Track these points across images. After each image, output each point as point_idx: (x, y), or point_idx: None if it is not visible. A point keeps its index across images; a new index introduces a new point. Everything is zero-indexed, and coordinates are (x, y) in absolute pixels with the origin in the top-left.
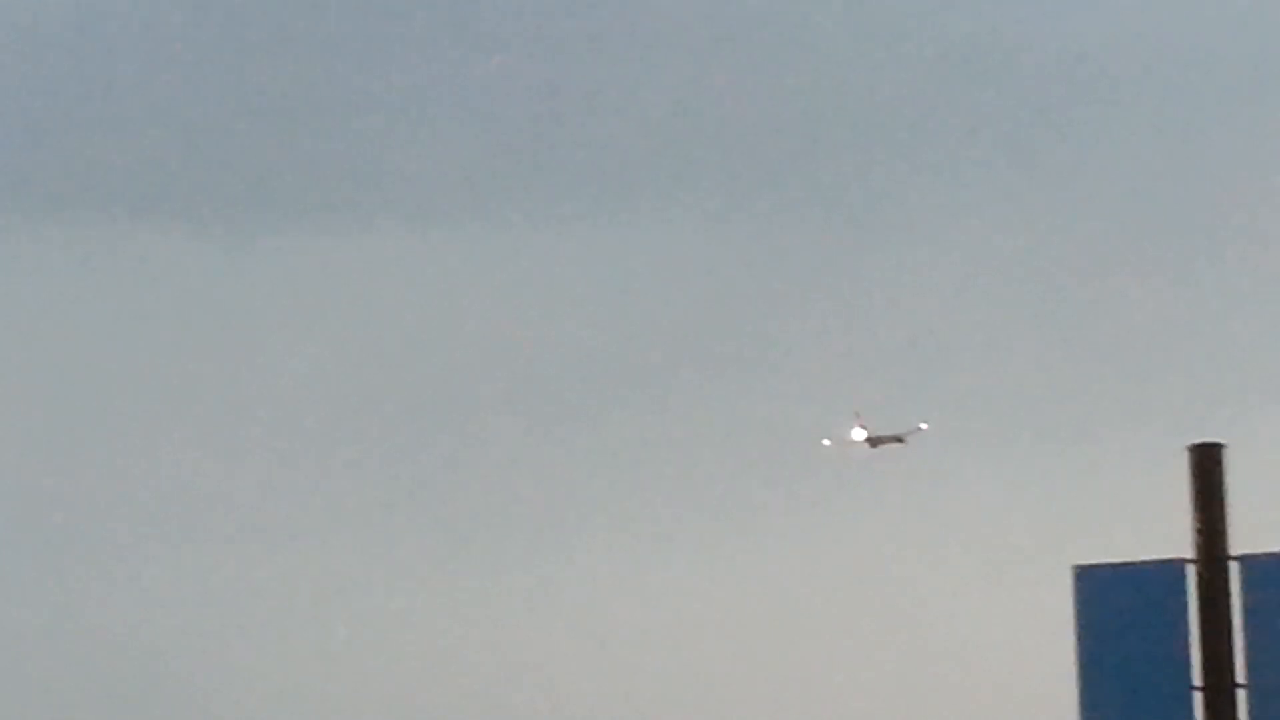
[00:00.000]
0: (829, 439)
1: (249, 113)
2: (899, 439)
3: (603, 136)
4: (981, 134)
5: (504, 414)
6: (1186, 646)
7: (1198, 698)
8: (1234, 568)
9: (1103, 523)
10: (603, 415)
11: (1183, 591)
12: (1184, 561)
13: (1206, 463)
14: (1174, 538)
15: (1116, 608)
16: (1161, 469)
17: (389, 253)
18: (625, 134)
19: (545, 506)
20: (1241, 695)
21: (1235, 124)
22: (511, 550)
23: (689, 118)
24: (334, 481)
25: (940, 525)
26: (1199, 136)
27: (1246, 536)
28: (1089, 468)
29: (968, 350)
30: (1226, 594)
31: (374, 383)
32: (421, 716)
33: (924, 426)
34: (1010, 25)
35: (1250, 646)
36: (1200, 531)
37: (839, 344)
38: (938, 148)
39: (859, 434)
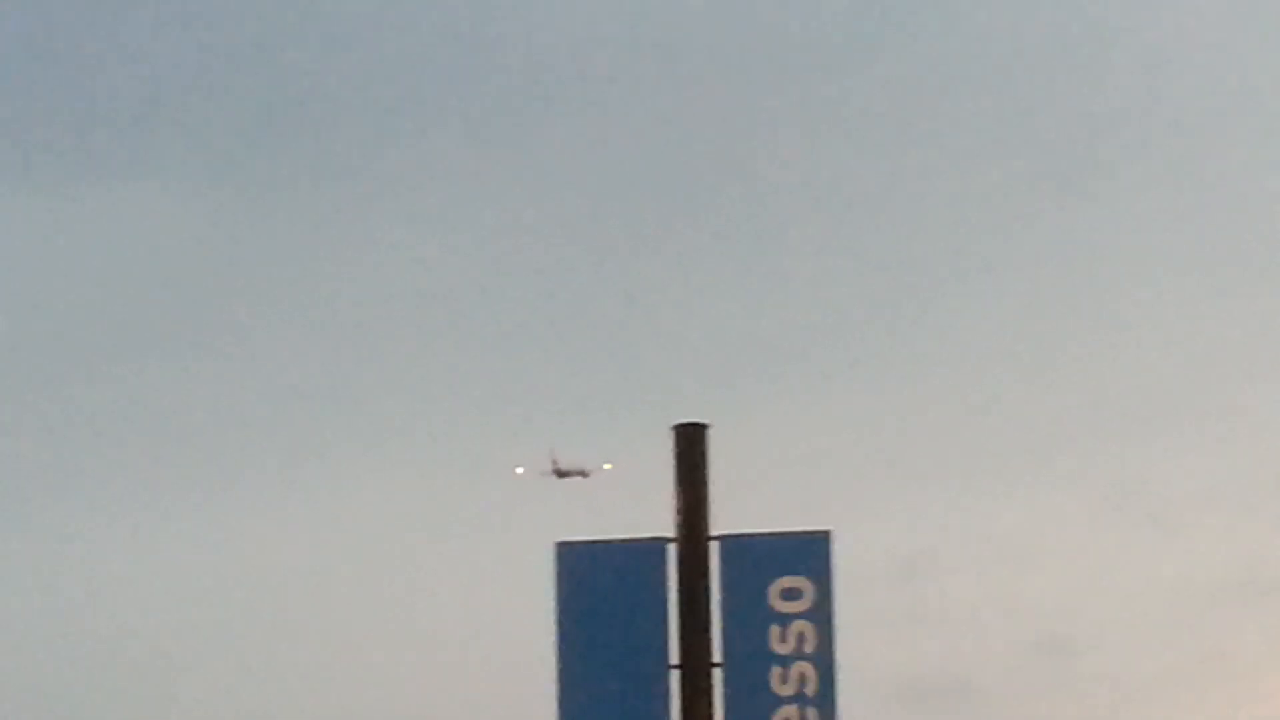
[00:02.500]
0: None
1: None
2: (584, 473)
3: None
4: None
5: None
6: (665, 625)
7: (675, 675)
8: (714, 547)
9: (590, 501)
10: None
11: (663, 570)
12: (665, 540)
13: (689, 442)
14: (660, 517)
15: (597, 585)
16: (647, 448)
17: None
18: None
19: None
20: (718, 674)
21: (711, 103)
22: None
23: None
24: None
25: (424, 502)
26: (675, 120)
27: (728, 517)
28: (578, 445)
29: (449, 328)
30: (706, 573)
31: None
32: None
33: (608, 467)
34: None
35: (727, 626)
36: (681, 511)
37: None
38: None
39: (548, 466)
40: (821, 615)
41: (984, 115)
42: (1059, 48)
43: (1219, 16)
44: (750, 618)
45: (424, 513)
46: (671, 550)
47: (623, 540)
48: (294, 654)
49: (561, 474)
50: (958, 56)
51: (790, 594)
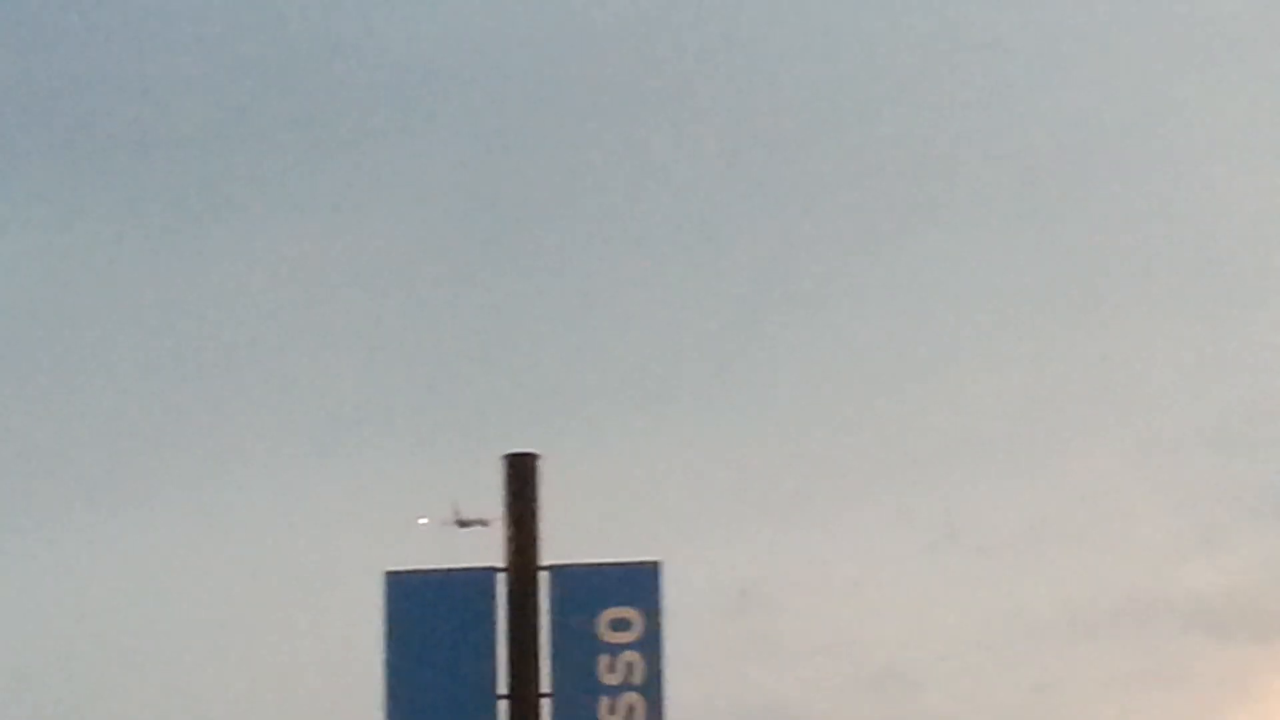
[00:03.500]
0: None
1: None
2: (484, 522)
3: None
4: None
5: None
6: (493, 655)
7: (504, 706)
8: (544, 577)
9: (420, 531)
10: None
11: (492, 600)
12: (495, 570)
13: (520, 472)
14: (491, 546)
15: (425, 615)
16: (478, 477)
17: None
18: None
19: None
20: (546, 704)
21: (543, 131)
22: None
23: None
24: None
25: (250, 534)
26: (502, 146)
27: (559, 546)
28: (406, 476)
29: (271, 363)
30: (535, 603)
31: None
32: None
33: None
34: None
35: (556, 656)
36: (512, 540)
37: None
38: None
39: (449, 515)
40: (651, 646)
41: (813, 151)
42: (893, 86)
43: (1060, 55)
44: (579, 648)
45: (242, 557)
46: (501, 580)
47: (452, 570)
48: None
49: (463, 524)
50: (787, 92)
51: (619, 624)
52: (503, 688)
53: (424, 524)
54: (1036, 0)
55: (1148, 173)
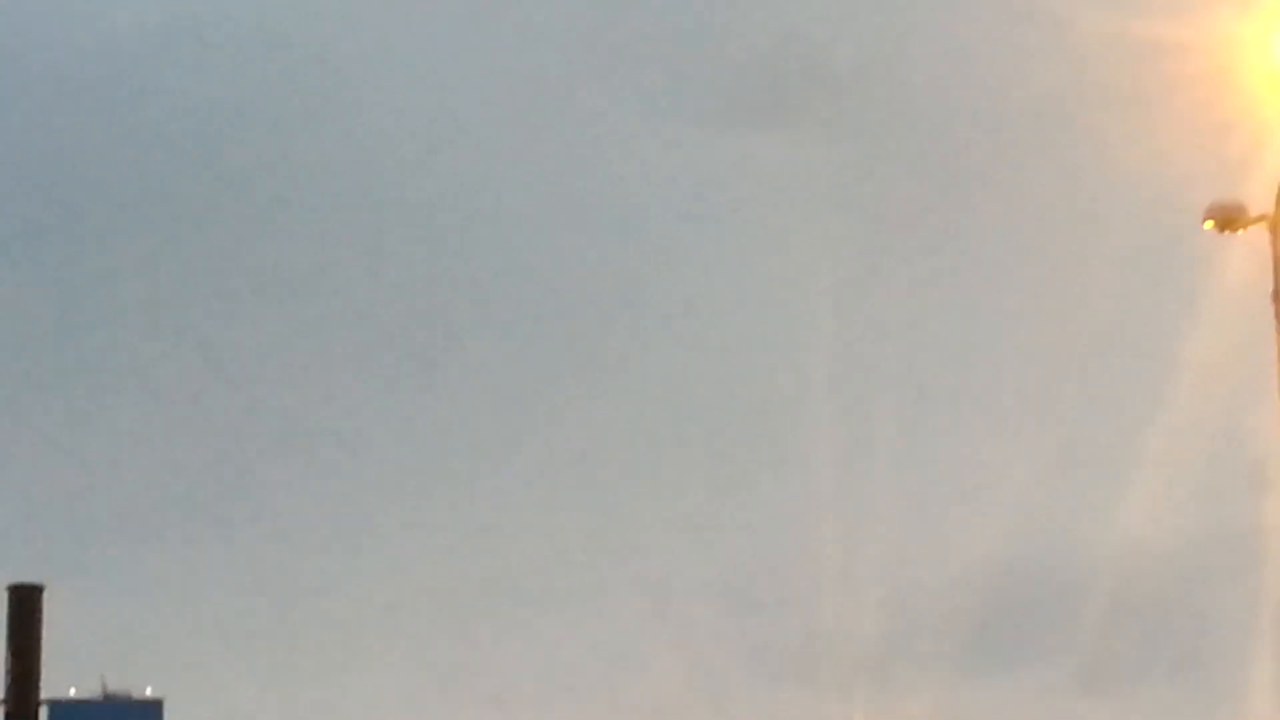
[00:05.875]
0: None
1: None
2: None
3: None
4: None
5: None
6: None
7: None
8: (44, 711)
9: None
10: None
11: None
12: None
13: (23, 604)
14: None
15: None
16: None
17: None
18: None
19: None
20: None
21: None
22: None
23: None
24: None
25: None
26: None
27: (62, 680)
28: None
29: None
30: None
31: None
32: None
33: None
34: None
35: None
36: (11, 673)
37: None
38: None
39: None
40: None
41: (318, 288)
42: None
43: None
44: None
45: None
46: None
47: None
48: None
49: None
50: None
51: None
52: None
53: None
54: None
55: (642, 348)
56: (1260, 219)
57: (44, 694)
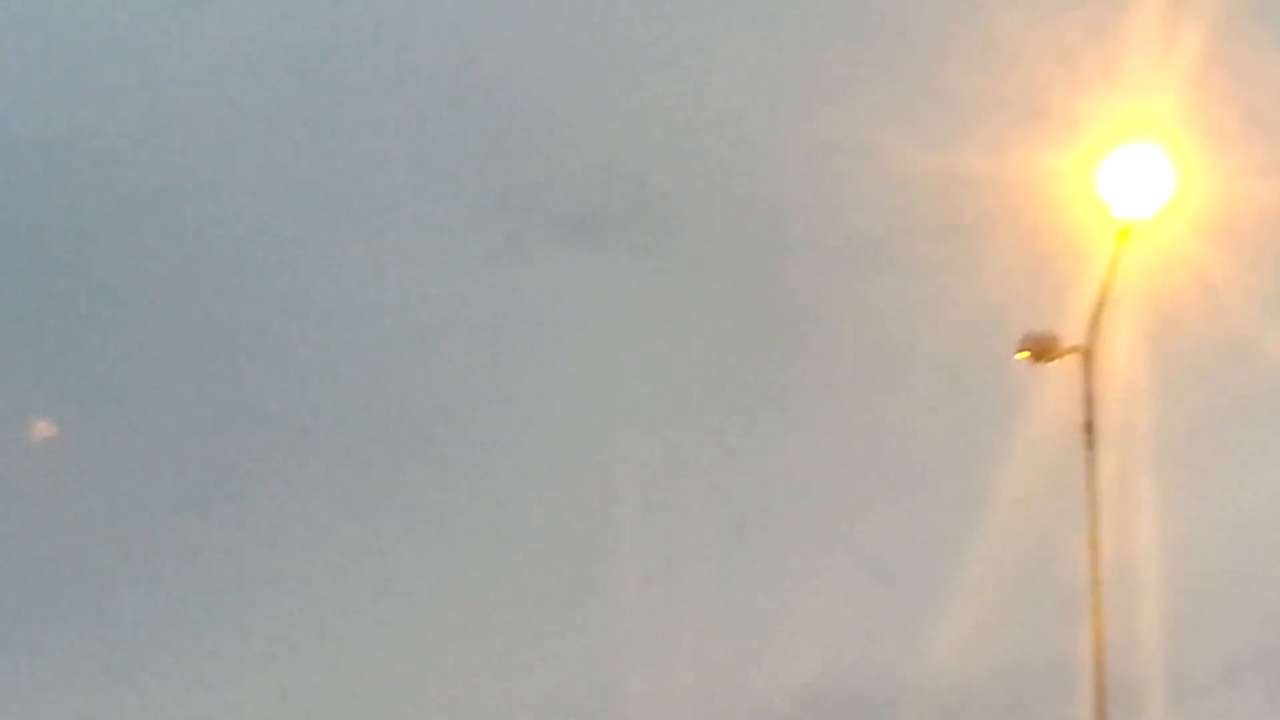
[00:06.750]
0: None
1: None
2: None
3: None
4: None
5: None
6: None
7: None
8: None
9: None
10: None
11: None
12: None
13: None
14: None
15: None
16: None
17: None
18: None
19: None
20: None
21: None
22: None
23: None
24: None
25: None
26: None
27: None
28: None
29: None
30: None
31: None
32: None
33: None
34: None
35: None
36: None
37: None
38: None
39: None
40: None
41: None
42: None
43: None
44: None
45: None
46: None
47: None
48: None
49: None
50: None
51: None
52: None
53: None
54: None
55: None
56: (1073, 350)
57: None
